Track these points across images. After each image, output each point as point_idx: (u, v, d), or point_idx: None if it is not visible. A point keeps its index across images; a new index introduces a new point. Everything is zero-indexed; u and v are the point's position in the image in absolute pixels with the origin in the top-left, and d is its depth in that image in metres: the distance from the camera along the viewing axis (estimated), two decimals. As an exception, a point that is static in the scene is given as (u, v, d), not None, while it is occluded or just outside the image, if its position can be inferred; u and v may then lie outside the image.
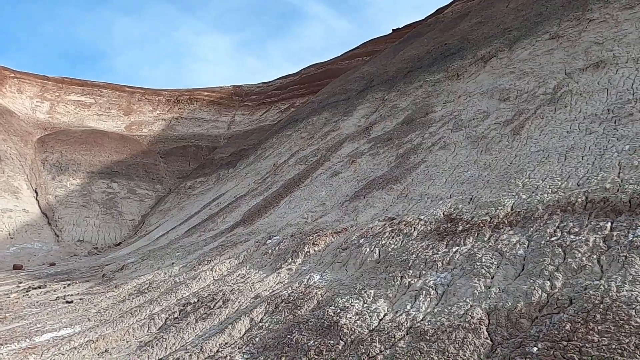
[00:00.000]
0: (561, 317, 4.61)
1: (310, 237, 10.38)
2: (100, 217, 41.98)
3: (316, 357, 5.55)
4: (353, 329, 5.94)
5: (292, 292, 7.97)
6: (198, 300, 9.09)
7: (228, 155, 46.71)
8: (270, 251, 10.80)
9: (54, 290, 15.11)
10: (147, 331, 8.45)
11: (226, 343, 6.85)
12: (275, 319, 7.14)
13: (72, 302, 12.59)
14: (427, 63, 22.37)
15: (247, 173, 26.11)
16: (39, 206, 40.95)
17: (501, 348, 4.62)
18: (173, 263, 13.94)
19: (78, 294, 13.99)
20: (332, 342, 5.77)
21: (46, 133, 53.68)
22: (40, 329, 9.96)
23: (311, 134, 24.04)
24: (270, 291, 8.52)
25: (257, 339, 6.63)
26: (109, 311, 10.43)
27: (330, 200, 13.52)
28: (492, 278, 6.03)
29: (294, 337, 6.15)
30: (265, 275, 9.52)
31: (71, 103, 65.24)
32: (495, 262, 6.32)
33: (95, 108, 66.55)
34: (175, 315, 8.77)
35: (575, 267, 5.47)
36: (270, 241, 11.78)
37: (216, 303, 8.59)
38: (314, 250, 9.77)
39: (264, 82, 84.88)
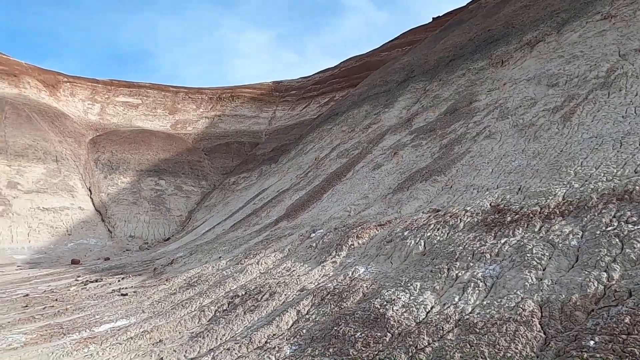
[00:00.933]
0: (619, 310, 4.42)
1: (354, 230, 10.39)
2: (149, 213, 43.59)
3: (363, 348, 5.57)
4: (400, 321, 5.92)
5: (338, 284, 8.02)
6: (245, 292, 9.30)
7: (270, 151, 47.31)
8: (314, 244, 10.89)
9: (110, 284, 15.85)
10: (198, 322, 8.73)
11: (274, 334, 6.99)
12: (321, 311, 7.21)
13: (126, 294, 13.17)
14: (470, 51, 21.77)
15: (289, 168, 26.36)
16: (93, 204, 42.96)
17: (555, 341, 4.48)
18: (220, 257, 14.30)
19: (132, 287, 14.62)
20: (379, 334, 5.78)
21: (97, 134, 56.13)
22: (99, 320, 10.49)
23: (352, 127, 23.96)
24: (316, 284, 8.60)
25: (304, 331, 6.73)
26: (161, 303, 10.85)
27: (373, 193, 13.46)
28: (543, 270, 5.84)
29: (341, 329, 6.19)
30: (310, 268, 9.62)
31: (120, 104, 67.87)
32: (547, 254, 6.12)
33: (142, 108, 68.94)
34: (224, 308, 9.01)
35: (634, 258, 5.22)
36: (314, 235, 11.88)
37: (263, 295, 8.76)
38: (358, 243, 9.77)
39: (303, 77, 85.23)
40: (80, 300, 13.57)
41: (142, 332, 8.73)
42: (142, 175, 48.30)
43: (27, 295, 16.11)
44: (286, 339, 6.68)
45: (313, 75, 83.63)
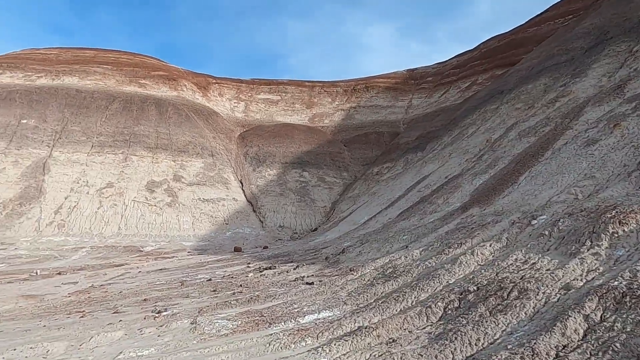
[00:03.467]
0: None
1: (607, 216, 8.16)
2: (295, 204, 44.52)
3: None
4: None
5: (629, 283, 6.01)
6: (478, 288, 7.70)
7: (414, 139, 45.26)
8: (546, 233, 8.88)
9: (287, 272, 15.49)
10: (427, 321, 7.36)
11: (564, 346, 5.27)
12: (628, 319, 5.31)
13: (312, 283, 12.48)
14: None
15: (450, 153, 24.22)
16: (245, 195, 45.18)
17: None
18: (407, 246, 12.93)
19: (313, 275, 13.98)
20: None
21: (244, 130, 59.35)
22: (299, 310, 9.75)
23: (528, 103, 21.00)
24: (585, 281, 6.67)
25: (617, 345, 4.90)
26: (363, 295, 9.76)
27: (601, 172, 10.92)
28: None
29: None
30: (559, 261, 7.67)
31: (261, 101, 71.21)
32: None
33: (282, 104, 71.52)
34: (456, 305, 7.52)
35: None
36: (535, 222, 9.84)
37: (508, 293, 7.07)
38: (623, 230, 7.57)
39: (439, 63, 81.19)
40: (266, 287, 13.23)
41: (361, 327, 7.62)
42: (286, 168, 49.70)
43: (210, 279, 16.52)
44: (590, 354, 4.93)
45: (450, 60, 79.20)
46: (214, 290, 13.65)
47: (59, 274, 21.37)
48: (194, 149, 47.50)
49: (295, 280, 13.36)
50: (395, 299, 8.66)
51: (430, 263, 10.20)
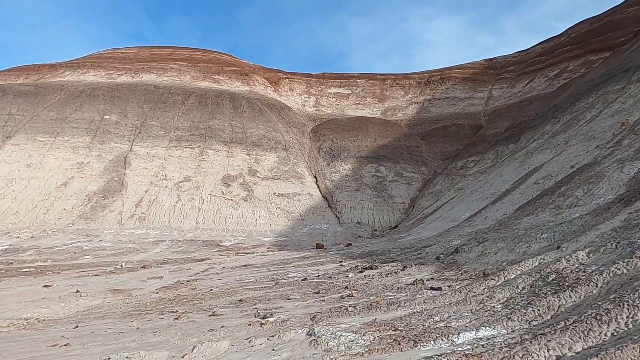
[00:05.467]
0: None
1: None
2: (372, 200, 42.35)
3: None
4: None
5: None
6: None
7: (504, 130, 41.59)
8: None
9: (394, 273, 13.41)
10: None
11: None
12: None
13: (440, 288, 10.33)
14: None
15: (566, 141, 21.02)
16: (319, 190, 43.63)
17: None
18: (558, 247, 10.42)
19: (432, 278, 11.81)
20: None
21: (316, 124, 57.94)
22: (445, 324, 7.65)
23: (672, 79, 17.54)
24: None
25: None
26: (530, 309, 7.49)
27: None
28: None
29: None
30: None
31: (332, 95, 69.63)
32: None
33: (353, 98, 69.54)
34: None
35: None
36: None
37: None
38: None
39: (520, 51, 75.69)
40: (378, 290, 11.24)
41: (560, 357, 5.41)
42: (362, 162, 47.62)
43: (305, 279, 14.82)
44: None
45: (532, 47, 73.65)
46: (317, 292, 11.86)
47: (144, 267, 20.67)
48: (268, 143, 46.64)
49: (414, 284, 11.25)
50: (595, 318, 6.32)
51: (618, 269, 7.72)
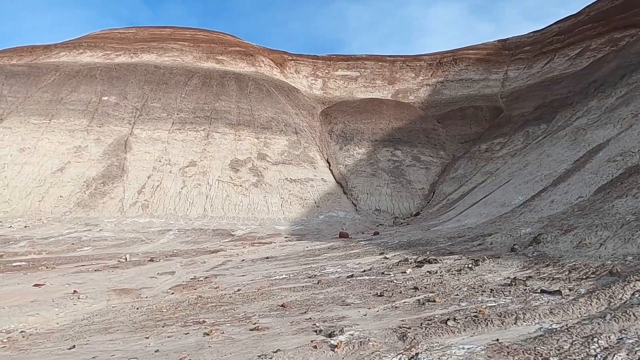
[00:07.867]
0: None
1: None
2: (390, 185, 39.71)
3: None
4: None
5: None
6: None
7: (533, 110, 38.85)
8: None
9: (468, 268, 10.82)
10: None
11: None
12: None
13: (558, 292, 7.73)
14: None
15: (633, 114, 18.42)
16: (333, 175, 40.97)
17: None
18: None
19: (527, 277, 9.20)
20: None
21: (325, 106, 55.05)
22: (606, 352, 5.09)
23: None
24: None
25: None
26: None
27: None
28: None
29: None
30: None
31: (339, 78, 66.57)
32: None
33: (361, 80, 66.51)
34: None
35: None
36: None
37: None
38: None
39: (535, 31, 72.66)
40: (464, 293, 8.64)
41: None
42: (377, 146, 44.87)
43: (351, 275, 12.24)
44: None
45: (549, 27, 70.50)
46: (379, 295, 9.28)
47: (151, 260, 18.09)
48: (277, 126, 43.83)
49: (511, 285, 8.66)
50: None
51: None
